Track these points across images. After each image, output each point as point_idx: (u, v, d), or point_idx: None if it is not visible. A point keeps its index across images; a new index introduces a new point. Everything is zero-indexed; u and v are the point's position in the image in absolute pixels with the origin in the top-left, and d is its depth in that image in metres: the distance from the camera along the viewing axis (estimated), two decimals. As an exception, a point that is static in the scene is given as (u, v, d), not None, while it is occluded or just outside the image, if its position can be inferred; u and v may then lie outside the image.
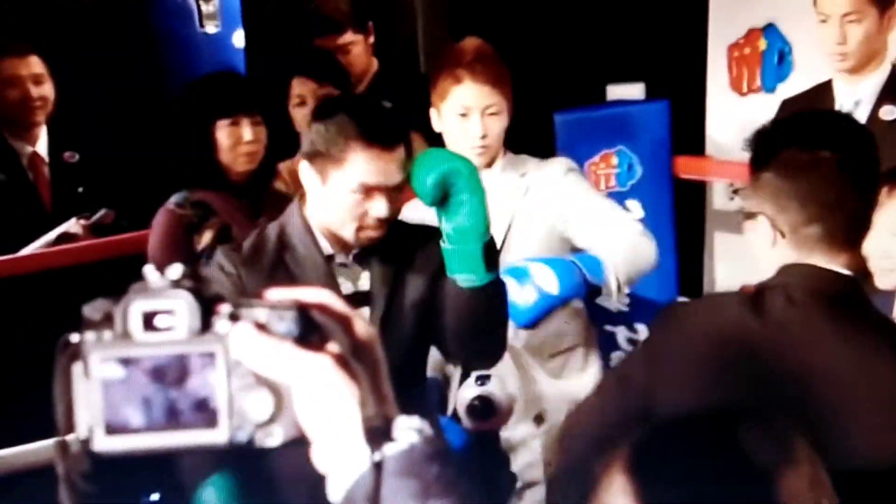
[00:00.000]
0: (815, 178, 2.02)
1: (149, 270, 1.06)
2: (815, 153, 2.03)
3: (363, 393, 1.07)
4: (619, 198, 4.52)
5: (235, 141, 3.46)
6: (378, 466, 1.06)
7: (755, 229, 2.10)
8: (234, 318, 1.06)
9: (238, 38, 4.46)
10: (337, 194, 2.58)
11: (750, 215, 2.11)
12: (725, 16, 4.83)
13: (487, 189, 2.91)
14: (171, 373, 1.04)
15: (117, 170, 4.40)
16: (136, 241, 3.89)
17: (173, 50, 5.13)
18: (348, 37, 4.46)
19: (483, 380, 2.29)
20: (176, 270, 1.05)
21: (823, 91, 3.84)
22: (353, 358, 1.08)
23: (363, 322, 1.11)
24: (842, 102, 3.77)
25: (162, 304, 1.05)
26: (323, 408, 1.06)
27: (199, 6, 4.69)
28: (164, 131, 4.24)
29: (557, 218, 3.34)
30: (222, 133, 3.46)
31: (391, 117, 2.63)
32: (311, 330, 1.07)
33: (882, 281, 2.96)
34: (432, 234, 2.66)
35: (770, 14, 4.68)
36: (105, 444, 1.04)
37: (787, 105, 4.00)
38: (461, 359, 2.67)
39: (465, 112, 3.30)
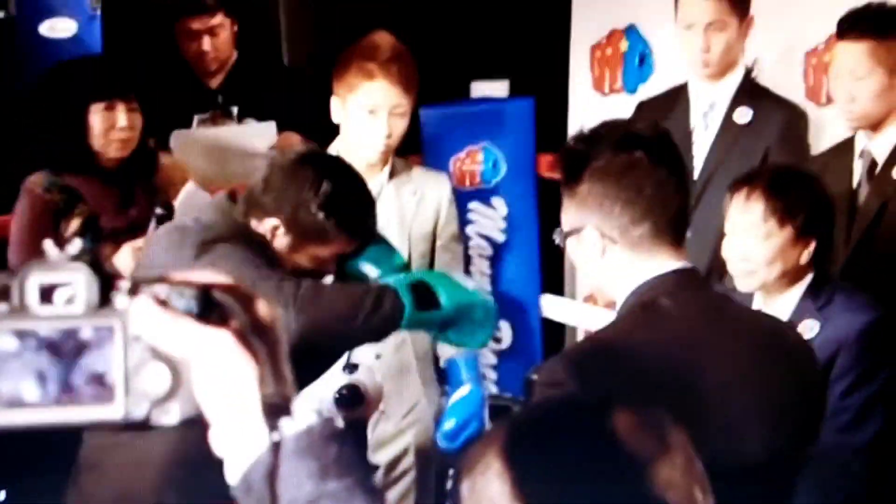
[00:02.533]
0: (636, 178, 2.06)
1: (48, 244, 1.06)
2: (630, 154, 2.07)
3: (262, 371, 1.07)
4: (484, 195, 4.57)
5: (109, 126, 3.40)
6: (277, 446, 1.06)
7: (580, 242, 2.11)
8: (133, 293, 1.05)
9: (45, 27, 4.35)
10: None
11: (570, 233, 2.12)
12: (588, 16, 4.90)
13: (384, 202, 3.01)
14: (68, 347, 1.04)
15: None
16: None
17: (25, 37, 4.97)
18: (218, 18, 4.38)
19: (351, 368, 2.29)
20: (75, 245, 1.05)
21: (679, 94, 3.93)
22: (253, 336, 1.08)
23: (265, 303, 1.12)
24: (697, 105, 3.87)
25: (60, 277, 1.04)
26: (221, 384, 1.06)
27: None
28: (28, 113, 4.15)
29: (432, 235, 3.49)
30: (96, 117, 3.39)
31: None
32: (211, 307, 1.08)
33: (742, 283, 3.07)
34: None
35: (631, 16, 4.75)
36: None
37: (643, 106, 4.09)
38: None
39: (374, 109, 3.30)
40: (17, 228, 3.43)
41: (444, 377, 3.48)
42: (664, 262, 2.10)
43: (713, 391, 2.03)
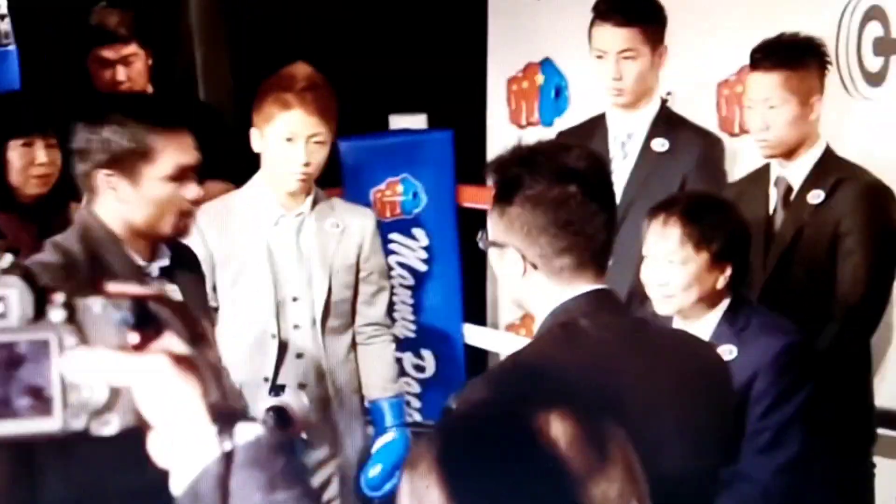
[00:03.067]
0: (566, 212, 2.06)
1: None
2: (565, 187, 2.07)
3: (205, 383, 1.06)
4: (405, 225, 4.60)
5: (28, 162, 3.38)
6: (227, 456, 1.05)
7: (502, 258, 2.12)
8: (67, 306, 1.04)
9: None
10: (154, 188, 2.55)
11: (493, 244, 2.13)
12: (504, 49, 4.96)
13: (306, 232, 3.00)
14: (3, 361, 1.02)
15: None
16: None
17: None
18: (132, 48, 4.34)
19: (278, 390, 2.29)
20: (6, 259, 1.03)
21: (597, 124, 3.96)
22: (192, 348, 1.07)
23: (198, 312, 1.12)
24: (615, 135, 3.91)
25: None
26: (165, 404, 1.05)
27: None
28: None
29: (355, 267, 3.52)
30: (14, 154, 3.38)
31: (174, 99, 2.65)
32: (147, 320, 1.06)
33: (661, 307, 3.10)
34: None
35: (547, 49, 4.82)
36: None
37: (561, 137, 4.12)
38: None
39: (291, 137, 3.31)
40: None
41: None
42: (582, 286, 2.12)
43: (632, 410, 2.04)
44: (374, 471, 3.03)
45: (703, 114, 4.23)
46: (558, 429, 1.22)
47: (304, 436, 2.82)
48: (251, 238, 3.36)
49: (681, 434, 2.11)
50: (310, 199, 3.45)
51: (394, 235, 4.54)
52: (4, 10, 4.20)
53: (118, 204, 2.57)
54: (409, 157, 4.59)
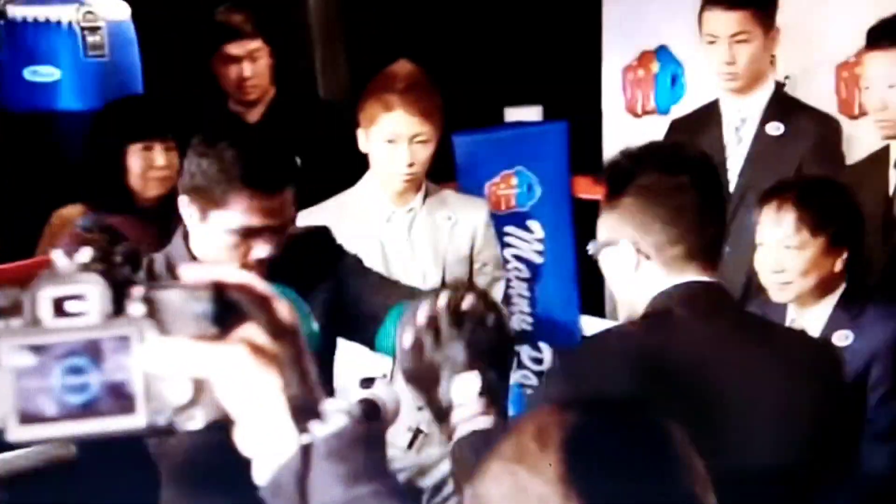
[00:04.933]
0: (678, 200, 2.09)
1: (57, 255, 1.04)
2: (677, 178, 2.10)
3: (286, 375, 1.06)
4: (520, 218, 4.60)
5: (147, 166, 3.46)
6: (307, 449, 1.05)
7: (614, 254, 2.14)
8: (147, 301, 1.03)
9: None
10: (216, 234, 2.41)
11: (606, 244, 2.15)
12: (619, 38, 4.93)
13: (418, 228, 2.99)
14: (85, 359, 1.02)
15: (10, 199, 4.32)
16: (36, 268, 3.85)
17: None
18: (257, 43, 4.42)
19: (367, 382, 2.28)
20: (85, 254, 1.03)
21: (710, 110, 3.94)
22: (274, 339, 1.06)
23: (284, 305, 1.10)
24: (729, 120, 3.88)
25: (72, 288, 1.02)
26: (244, 395, 1.05)
27: (83, 36, 4.64)
28: (66, 157, 4.20)
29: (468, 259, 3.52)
30: (134, 158, 3.46)
31: (278, 159, 2.44)
32: (228, 310, 1.05)
33: (777, 295, 3.07)
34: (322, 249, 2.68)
35: (662, 37, 4.79)
36: (19, 433, 1.02)
37: (675, 125, 4.09)
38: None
39: (394, 139, 3.31)
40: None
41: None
42: (687, 276, 2.12)
43: (730, 401, 2.03)
44: None
45: (821, 97, 4.17)
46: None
47: (423, 434, 2.80)
48: (364, 235, 3.38)
49: (779, 429, 2.08)
50: (420, 193, 3.47)
51: (509, 228, 4.54)
52: (99, 23, 4.29)
53: (190, 232, 2.49)
54: (524, 149, 4.58)
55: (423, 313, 1.98)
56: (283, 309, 1.09)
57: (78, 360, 1.02)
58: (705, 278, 2.14)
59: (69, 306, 1.02)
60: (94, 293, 1.02)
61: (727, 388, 2.05)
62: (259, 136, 2.55)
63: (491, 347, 1.94)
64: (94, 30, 4.36)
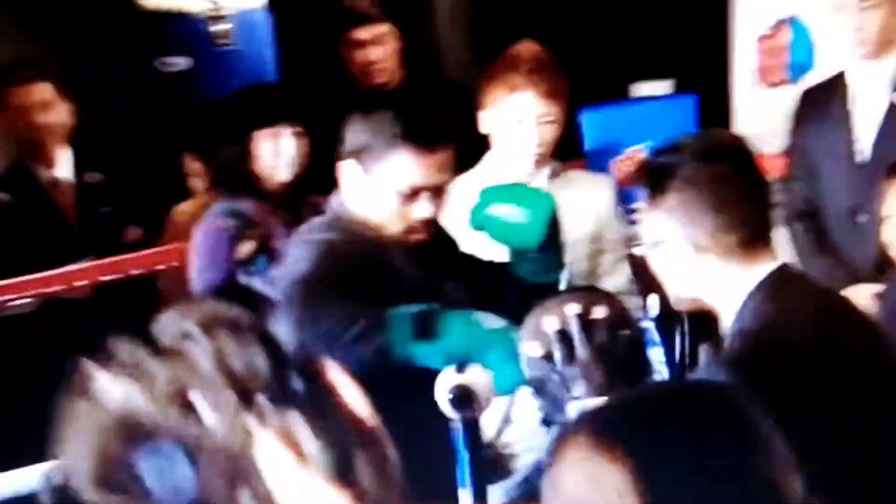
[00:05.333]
0: (723, 187, 2.08)
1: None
2: (719, 165, 2.09)
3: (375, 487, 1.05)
4: (650, 193, 4.56)
5: (275, 151, 3.53)
6: None
7: (666, 252, 2.13)
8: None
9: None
10: (383, 193, 2.53)
11: (657, 244, 2.14)
12: (751, 8, 4.86)
13: None
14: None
15: (143, 187, 4.44)
16: (171, 254, 3.97)
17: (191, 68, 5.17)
18: (384, 28, 4.46)
19: (461, 367, 2.29)
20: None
21: (840, 79, 3.88)
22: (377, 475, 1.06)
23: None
24: (856, 89, 3.80)
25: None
26: None
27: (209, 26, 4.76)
28: (187, 145, 4.31)
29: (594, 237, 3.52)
30: (262, 143, 3.53)
31: (436, 117, 2.59)
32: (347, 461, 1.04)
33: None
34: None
35: (794, 6, 4.72)
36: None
37: (806, 94, 4.03)
38: None
39: (521, 120, 3.32)
40: (195, 255, 3.57)
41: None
42: (763, 265, 2.11)
43: (841, 381, 2.02)
44: None
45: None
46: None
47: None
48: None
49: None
50: (544, 173, 3.47)
51: (638, 204, 4.51)
52: (225, 12, 4.38)
53: (353, 199, 2.60)
54: (652, 123, 4.52)
55: (551, 322, 2.00)
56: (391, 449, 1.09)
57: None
58: (776, 263, 2.12)
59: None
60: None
61: (837, 367, 2.03)
62: (415, 97, 2.68)
63: (625, 366, 1.95)
64: (218, 19, 4.48)
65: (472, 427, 2.13)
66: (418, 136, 2.49)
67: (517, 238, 2.65)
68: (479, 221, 2.66)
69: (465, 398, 2.18)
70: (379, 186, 2.53)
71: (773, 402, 1.86)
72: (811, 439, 1.87)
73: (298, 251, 2.57)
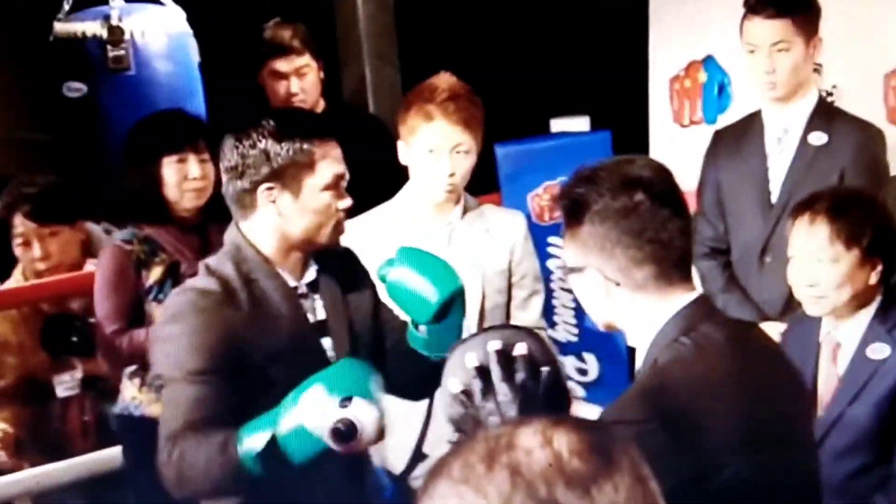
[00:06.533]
0: (636, 221, 2.03)
1: None
2: (631, 196, 2.03)
3: None
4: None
5: (182, 177, 3.50)
6: None
7: (582, 281, 2.10)
8: None
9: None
10: (313, 198, 2.59)
11: (574, 269, 2.11)
12: (665, 49, 4.91)
13: (456, 241, 3.01)
14: None
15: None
16: (80, 281, 3.92)
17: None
18: (305, 59, 4.47)
19: (346, 401, 2.27)
20: None
21: (753, 120, 3.89)
22: None
23: None
24: (771, 130, 3.83)
25: None
26: None
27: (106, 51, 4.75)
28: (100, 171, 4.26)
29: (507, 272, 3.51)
30: (169, 169, 3.50)
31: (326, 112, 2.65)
32: None
33: (812, 308, 3.04)
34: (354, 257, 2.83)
35: (709, 47, 4.76)
36: None
37: (719, 135, 4.05)
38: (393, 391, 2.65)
39: (434, 149, 3.32)
40: (100, 281, 3.53)
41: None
42: (678, 298, 2.08)
43: (762, 414, 2.03)
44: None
45: (870, 106, 4.12)
46: (566, 437, 1.16)
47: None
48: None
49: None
50: (459, 207, 3.46)
51: (552, 239, 4.51)
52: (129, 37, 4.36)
53: (276, 218, 2.60)
54: (567, 159, 4.52)
55: (472, 358, 1.98)
56: None
57: None
58: (693, 294, 2.10)
59: None
60: None
61: (752, 399, 2.03)
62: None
63: (544, 403, 1.92)
64: (116, 44, 4.44)
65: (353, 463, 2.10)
66: (329, 132, 2.65)
67: (412, 307, 2.69)
68: (385, 277, 2.69)
69: (350, 432, 2.18)
70: (309, 193, 2.60)
71: (686, 435, 1.89)
72: (725, 469, 1.91)
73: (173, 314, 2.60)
